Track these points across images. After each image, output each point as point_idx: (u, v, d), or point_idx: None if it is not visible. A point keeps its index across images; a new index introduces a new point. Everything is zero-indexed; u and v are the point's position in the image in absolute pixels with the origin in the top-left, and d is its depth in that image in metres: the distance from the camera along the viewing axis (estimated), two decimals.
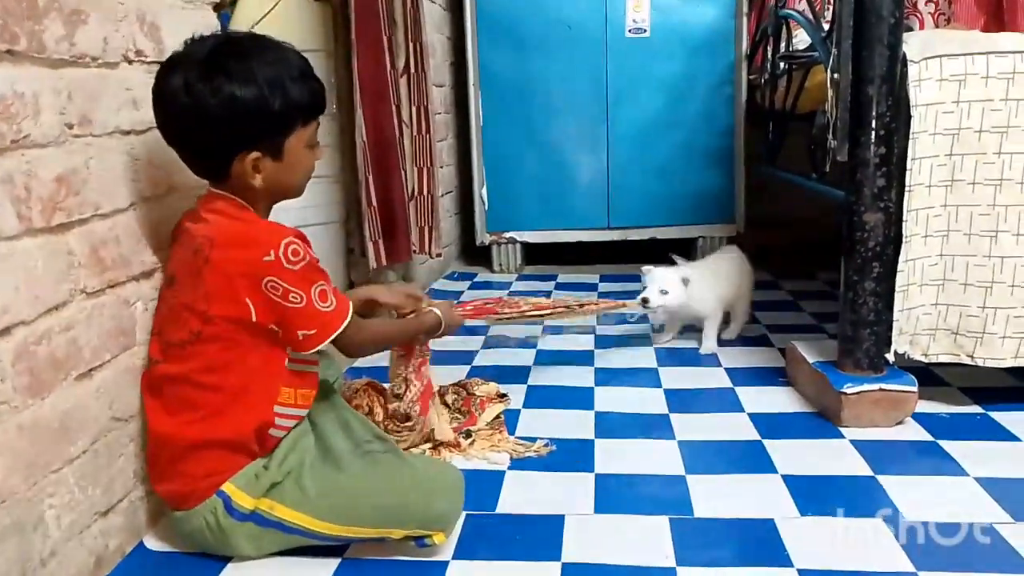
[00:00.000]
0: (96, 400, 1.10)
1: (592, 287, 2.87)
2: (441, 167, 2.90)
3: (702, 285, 2.04)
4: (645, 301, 1.97)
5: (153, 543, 1.22)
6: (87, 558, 1.08)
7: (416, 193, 2.42)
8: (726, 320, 2.17)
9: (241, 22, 2.27)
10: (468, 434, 1.54)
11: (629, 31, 3.04)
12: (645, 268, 2.02)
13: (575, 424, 1.63)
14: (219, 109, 1.08)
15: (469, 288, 2.94)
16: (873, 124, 1.52)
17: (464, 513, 1.24)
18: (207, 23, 1.37)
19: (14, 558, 0.94)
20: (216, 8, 1.45)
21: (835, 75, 1.57)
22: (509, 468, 1.45)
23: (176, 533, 1.19)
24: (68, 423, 1.04)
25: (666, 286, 1.97)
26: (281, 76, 1.12)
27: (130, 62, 1.17)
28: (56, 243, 1.02)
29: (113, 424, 1.15)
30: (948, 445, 1.49)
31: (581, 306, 1.93)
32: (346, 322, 1.18)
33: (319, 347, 1.17)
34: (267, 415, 1.17)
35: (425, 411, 1.47)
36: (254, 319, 1.12)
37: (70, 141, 1.04)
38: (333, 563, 1.16)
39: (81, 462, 1.07)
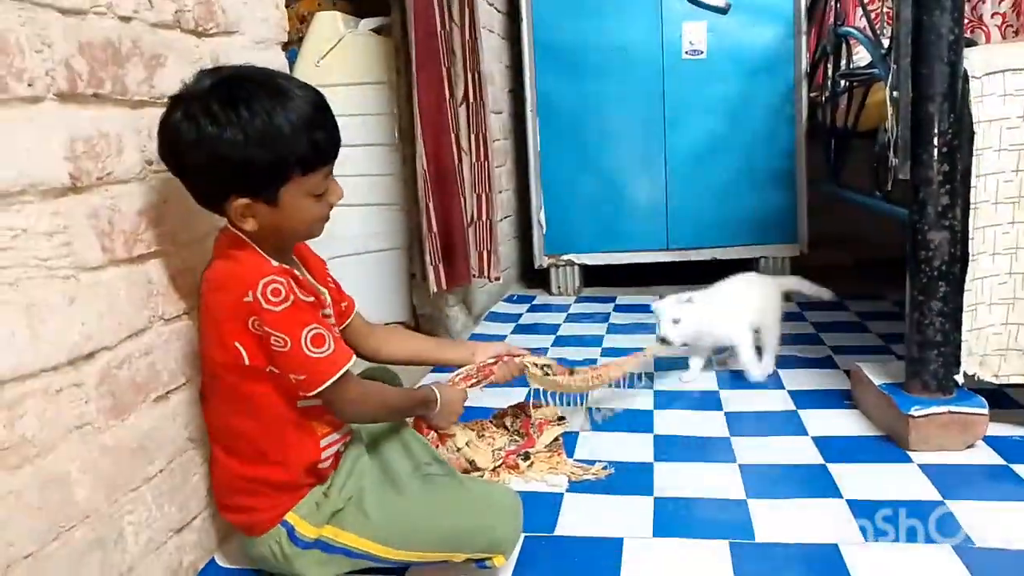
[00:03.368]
0: (173, 422, 1.16)
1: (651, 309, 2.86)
2: (500, 192, 2.95)
3: (720, 308, 1.95)
4: (663, 340, 1.87)
5: (224, 560, 1.26)
6: (162, 574, 1.14)
7: (475, 218, 2.47)
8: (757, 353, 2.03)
9: (307, 58, 2.37)
10: (526, 456, 1.55)
11: (686, 53, 3.05)
12: (653, 304, 1.95)
13: (634, 447, 1.63)
14: (200, 154, 1.04)
15: (528, 311, 2.96)
16: (935, 141, 1.49)
17: (523, 534, 1.25)
18: (277, 61, 1.44)
19: (96, 572, 0.99)
20: (285, 47, 1.52)
21: (895, 93, 1.56)
22: (567, 491, 1.46)
23: (245, 553, 1.24)
24: (146, 443, 1.10)
25: (676, 314, 1.87)
26: (274, 125, 1.04)
27: None
28: (137, 273, 1.08)
29: (188, 445, 1.20)
30: (1021, 469, 1.44)
31: (596, 373, 1.74)
32: (342, 371, 1.10)
33: (316, 392, 1.09)
34: (314, 454, 1.17)
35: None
36: (247, 363, 1.09)
37: (150, 177, 1.11)
38: None
39: (158, 481, 1.12)
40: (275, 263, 1.11)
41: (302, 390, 1.10)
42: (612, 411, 1.65)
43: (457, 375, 1.52)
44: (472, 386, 1.52)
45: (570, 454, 1.60)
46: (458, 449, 1.49)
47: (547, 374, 1.62)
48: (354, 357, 1.15)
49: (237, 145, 1.03)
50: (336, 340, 1.13)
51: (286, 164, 1.07)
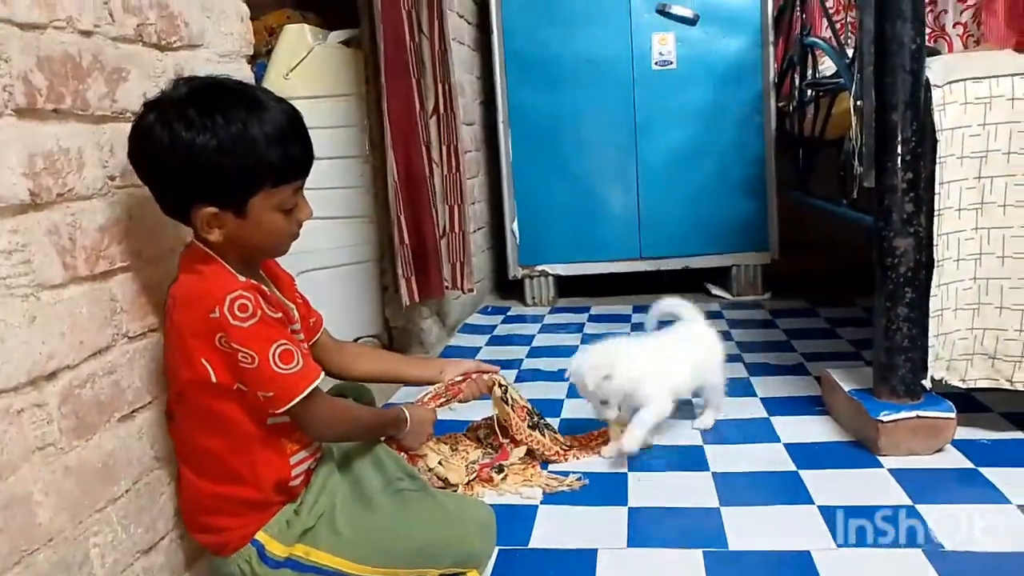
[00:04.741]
0: (138, 441, 1.14)
1: (625, 318, 2.88)
2: (473, 203, 2.94)
3: (647, 375, 1.60)
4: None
5: None
6: None
7: (448, 230, 2.46)
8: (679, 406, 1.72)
9: (276, 71, 2.35)
10: (500, 469, 1.54)
11: (656, 64, 3.08)
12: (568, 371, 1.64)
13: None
14: (172, 158, 1.03)
15: (502, 322, 2.96)
16: (899, 150, 1.52)
17: (497, 547, 1.25)
18: (242, 75, 1.42)
19: None
20: (251, 60, 1.50)
21: (859, 102, 1.58)
22: (542, 502, 1.45)
23: (215, 574, 1.22)
24: (111, 464, 1.07)
25: (605, 395, 1.58)
26: (249, 134, 1.04)
27: None
28: (99, 290, 1.06)
29: (154, 464, 1.18)
30: (989, 472, 1.46)
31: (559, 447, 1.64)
32: (310, 387, 1.09)
33: (285, 409, 1.08)
34: (283, 472, 1.16)
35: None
36: (214, 380, 1.07)
37: (112, 192, 1.09)
38: None
39: (124, 502, 1.10)
40: (242, 278, 1.09)
41: (271, 407, 1.09)
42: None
43: (426, 394, 1.51)
44: (441, 405, 1.50)
45: (544, 466, 1.60)
46: (430, 469, 1.48)
47: (506, 402, 1.59)
48: (323, 374, 1.14)
49: (210, 151, 1.03)
50: (305, 356, 1.12)
51: (257, 174, 1.07)
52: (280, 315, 1.11)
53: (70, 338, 1.00)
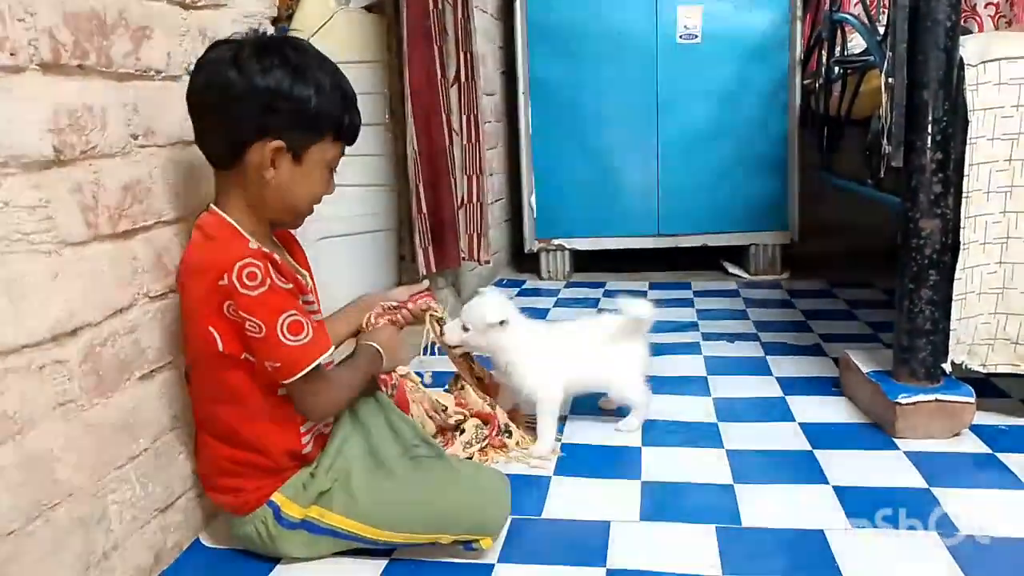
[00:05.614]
0: (158, 400, 1.15)
1: (641, 294, 2.86)
2: (491, 175, 2.93)
3: (533, 356, 1.53)
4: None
5: (208, 540, 1.25)
6: (146, 553, 1.13)
7: (465, 201, 2.45)
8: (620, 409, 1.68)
9: (297, 35, 2.33)
10: (508, 432, 1.54)
11: (680, 37, 3.03)
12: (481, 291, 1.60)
13: (621, 431, 1.63)
14: (263, 85, 1.05)
15: (517, 295, 2.96)
16: (929, 129, 1.49)
17: (510, 517, 1.25)
18: None
19: (79, 551, 0.98)
20: (274, 22, 1.49)
21: (890, 80, 1.55)
22: (555, 474, 1.45)
23: (230, 533, 1.23)
24: (131, 422, 1.08)
25: (471, 322, 1.49)
26: (331, 86, 1.11)
27: None
28: (122, 249, 1.06)
29: (173, 423, 1.19)
30: (1006, 458, 1.45)
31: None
32: (318, 360, 1.09)
33: (292, 380, 1.08)
34: (294, 442, 1.16)
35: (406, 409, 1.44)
36: (221, 349, 1.07)
37: (135, 151, 1.09)
38: (381, 563, 1.18)
39: (143, 460, 1.11)
40: (254, 246, 1.08)
41: (278, 378, 1.09)
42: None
43: (367, 319, 1.39)
44: None
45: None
46: (460, 388, 1.51)
47: (441, 329, 1.49)
48: (332, 347, 1.13)
49: (299, 86, 1.08)
50: (315, 328, 1.10)
51: (328, 120, 1.12)
52: (291, 286, 1.10)
53: (92, 296, 1.00)
